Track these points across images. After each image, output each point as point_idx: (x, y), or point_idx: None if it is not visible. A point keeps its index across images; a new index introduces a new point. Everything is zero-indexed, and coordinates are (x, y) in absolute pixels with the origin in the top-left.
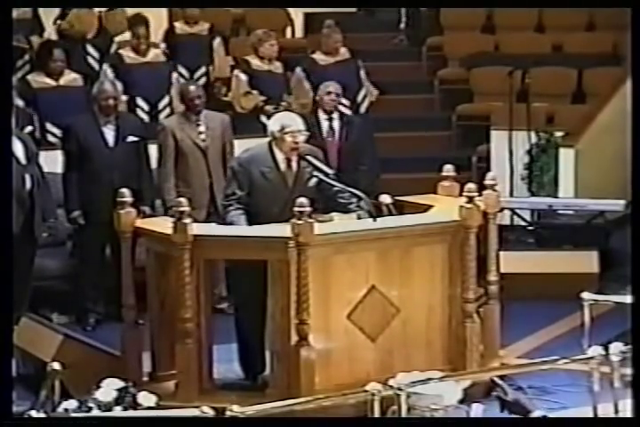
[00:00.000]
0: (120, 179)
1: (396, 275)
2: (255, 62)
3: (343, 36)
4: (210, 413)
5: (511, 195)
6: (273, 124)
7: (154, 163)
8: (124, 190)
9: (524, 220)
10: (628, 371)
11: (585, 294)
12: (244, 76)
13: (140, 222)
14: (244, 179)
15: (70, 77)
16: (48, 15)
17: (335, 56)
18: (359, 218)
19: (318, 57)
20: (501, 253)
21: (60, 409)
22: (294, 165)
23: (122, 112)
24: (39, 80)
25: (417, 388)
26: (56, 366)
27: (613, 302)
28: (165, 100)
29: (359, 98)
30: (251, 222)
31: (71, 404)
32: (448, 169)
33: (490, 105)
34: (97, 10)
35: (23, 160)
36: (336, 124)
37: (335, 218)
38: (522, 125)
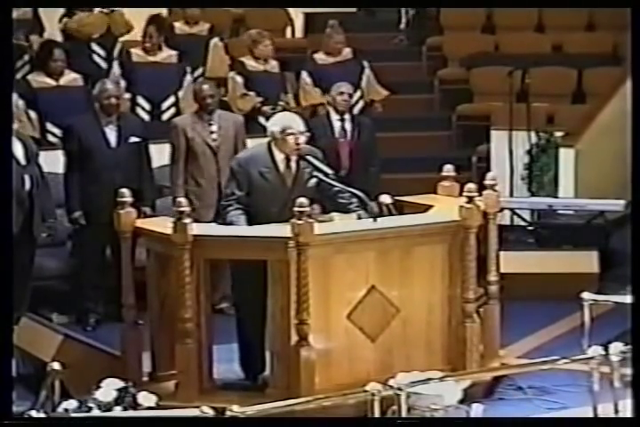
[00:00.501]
0: (121, 179)
1: (396, 275)
2: (250, 63)
3: (345, 36)
4: (210, 413)
5: (511, 195)
6: (274, 125)
7: (154, 163)
8: (125, 190)
9: (524, 220)
10: (628, 371)
11: (585, 294)
12: (239, 78)
13: (140, 222)
14: (243, 179)
15: (70, 77)
16: (49, 15)
17: (336, 56)
18: (359, 218)
19: (319, 57)
20: (501, 253)
21: (60, 409)
22: (293, 165)
23: (124, 112)
24: (39, 80)
25: (417, 388)
26: (56, 366)
27: (613, 302)
28: (170, 101)
29: (353, 100)
30: (250, 223)
31: (71, 404)
32: (448, 169)
33: (490, 105)
34: (99, 10)
35: (23, 160)
36: (348, 124)
37: (335, 218)
38: (522, 125)
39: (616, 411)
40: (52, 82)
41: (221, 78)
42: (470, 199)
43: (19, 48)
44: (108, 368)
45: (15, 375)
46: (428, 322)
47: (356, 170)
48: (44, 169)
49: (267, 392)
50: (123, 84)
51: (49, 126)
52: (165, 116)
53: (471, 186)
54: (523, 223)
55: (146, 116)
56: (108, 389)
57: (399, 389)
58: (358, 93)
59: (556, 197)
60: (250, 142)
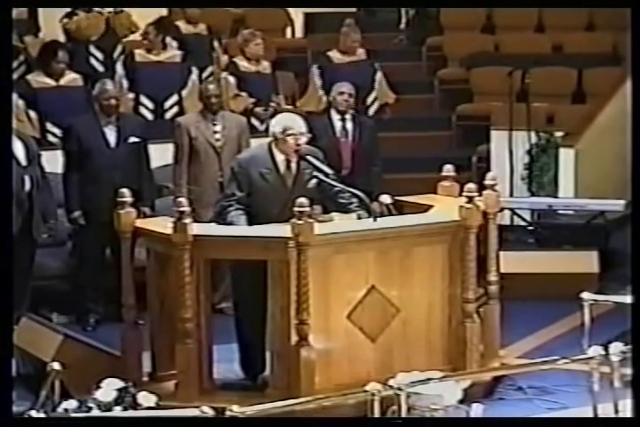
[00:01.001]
0: (120, 179)
1: (396, 275)
2: (243, 64)
3: (362, 36)
4: (210, 413)
5: (511, 195)
6: (275, 126)
7: (153, 163)
8: (125, 190)
9: (524, 220)
10: (628, 371)
11: (585, 294)
12: (232, 79)
13: (139, 222)
14: (243, 180)
15: (70, 77)
16: (46, 15)
17: (351, 56)
18: (359, 218)
19: (334, 55)
20: (501, 253)
21: (60, 409)
22: (294, 166)
23: (123, 113)
24: (39, 80)
25: (417, 388)
26: (56, 366)
27: (613, 302)
28: (173, 100)
29: (369, 100)
30: (251, 223)
31: (71, 404)
32: (448, 169)
33: (490, 105)
34: (101, 10)
35: (23, 161)
36: (349, 124)
37: (335, 218)
38: (522, 125)
39: (616, 411)
40: (52, 82)
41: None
42: (470, 199)
43: (13, 49)
44: (108, 368)
45: (15, 375)
46: (427, 322)
47: (358, 170)
48: (45, 169)
49: (267, 392)
50: (125, 84)
51: (49, 126)
52: (168, 115)
53: (471, 186)
54: (523, 223)
55: (149, 115)
56: (108, 389)
57: (399, 389)
58: (373, 95)
59: (556, 197)
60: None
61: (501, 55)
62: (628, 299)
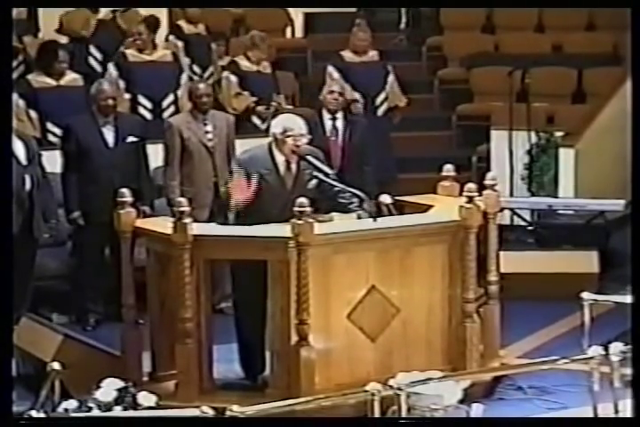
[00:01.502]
0: (120, 179)
1: (396, 275)
2: (244, 63)
3: (373, 35)
4: (210, 413)
5: (511, 195)
6: (275, 127)
7: (152, 163)
8: (124, 190)
9: (524, 220)
10: (628, 371)
11: (585, 294)
12: (234, 78)
13: (139, 222)
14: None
15: (71, 77)
16: (45, 15)
17: (362, 56)
18: (359, 218)
19: (346, 54)
20: (501, 253)
21: (60, 409)
22: (294, 167)
23: (121, 112)
24: (39, 80)
25: (417, 388)
26: (56, 366)
27: (613, 302)
28: (169, 99)
29: (378, 100)
30: (251, 223)
31: (71, 404)
32: (448, 169)
33: (490, 105)
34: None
35: (24, 161)
36: (340, 123)
37: (335, 218)
38: (522, 125)
39: (616, 411)
40: (52, 82)
41: None
42: (470, 199)
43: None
44: (108, 368)
45: (15, 375)
46: (428, 322)
47: (349, 169)
48: (46, 169)
49: (267, 392)
50: (122, 84)
51: (49, 126)
52: (166, 114)
53: (471, 186)
54: (523, 223)
55: (148, 115)
56: (108, 389)
57: (399, 389)
58: (383, 95)
59: (556, 197)
60: (239, 143)
61: (501, 55)
62: (628, 299)
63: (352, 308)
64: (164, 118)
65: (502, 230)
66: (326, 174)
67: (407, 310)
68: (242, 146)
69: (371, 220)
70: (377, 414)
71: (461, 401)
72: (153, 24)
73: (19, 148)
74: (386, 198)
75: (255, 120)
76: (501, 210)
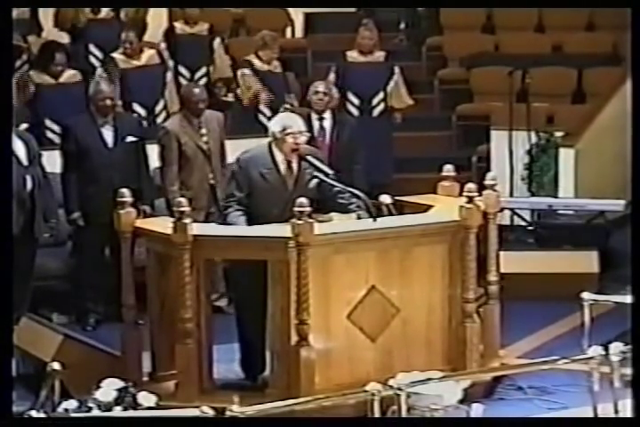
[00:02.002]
0: (119, 179)
1: (396, 275)
2: (255, 62)
3: (382, 35)
4: (210, 413)
5: (511, 195)
6: (274, 125)
7: (152, 163)
8: (124, 190)
9: (524, 220)
10: (628, 371)
11: (585, 294)
12: (248, 71)
13: (139, 222)
14: (243, 180)
15: (70, 74)
16: (47, 15)
17: (367, 56)
18: (359, 218)
19: (351, 54)
20: (501, 253)
21: (60, 409)
22: (294, 166)
23: (119, 112)
24: (40, 78)
25: (417, 388)
26: (56, 366)
27: (613, 302)
28: (161, 104)
29: (374, 101)
30: (251, 223)
31: (71, 404)
32: (448, 169)
33: (490, 105)
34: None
35: (25, 161)
36: (327, 123)
37: (335, 218)
38: (522, 125)
39: (616, 411)
40: (51, 80)
41: (227, 78)
42: (470, 199)
43: (16, 49)
44: (108, 368)
45: (15, 375)
46: (428, 322)
47: (335, 169)
48: (46, 169)
49: (267, 392)
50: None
51: (48, 123)
52: (159, 120)
53: (471, 186)
54: (523, 223)
55: (144, 123)
56: (108, 389)
57: (399, 389)
58: (380, 96)
59: (556, 197)
60: (245, 143)
61: (501, 55)
62: (628, 299)
63: (352, 308)
64: (157, 124)
65: (502, 230)
66: (326, 174)
67: (407, 310)
68: (246, 146)
69: (371, 220)
70: (377, 414)
71: (461, 401)
72: (141, 29)
73: (20, 148)
74: (386, 198)
75: (262, 118)
76: (501, 210)
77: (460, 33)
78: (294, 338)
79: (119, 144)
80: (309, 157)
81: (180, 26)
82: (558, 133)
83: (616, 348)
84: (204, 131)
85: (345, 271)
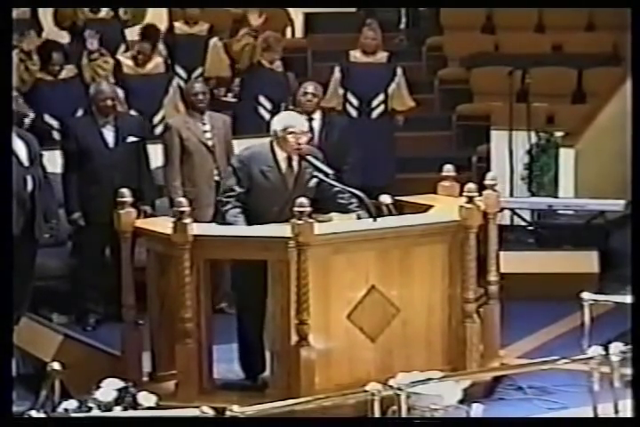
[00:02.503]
0: (120, 179)
1: (396, 275)
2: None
3: (383, 36)
4: (210, 413)
5: (511, 195)
6: (276, 124)
7: (152, 163)
8: (124, 190)
9: (524, 220)
10: (628, 371)
11: (585, 294)
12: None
13: (139, 222)
14: (243, 176)
15: (67, 69)
16: (47, 15)
17: (370, 56)
18: (359, 218)
19: (353, 54)
20: (501, 253)
21: (60, 409)
22: (295, 165)
23: (121, 112)
24: (39, 75)
25: (417, 388)
26: (56, 366)
27: (613, 302)
28: (161, 114)
29: (374, 103)
30: (250, 222)
31: (71, 404)
32: (448, 169)
33: (490, 105)
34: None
35: (25, 161)
36: (316, 124)
37: (335, 218)
38: (522, 125)
39: (616, 411)
40: (50, 78)
41: (220, 78)
42: (470, 199)
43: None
44: (108, 368)
45: (15, 375)
46: (428, 322)
47: None
48: (47, 169)
49: (267, 392)
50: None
51: (47, 118)
52: (158, 131)
53: (471, 186)
54: (523, 223)
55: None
56: (108, 389)
57: (399, 389)
58: (381, 98)
59: (556, 197)
60: (245, 142)
61: (501, 55)
62: (628, 299)
63: (352, 308)
64: (155, 134)
65: (502, 230)
66: (326, 174)
67: (407, 310)
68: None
69: (371, 220)
70: (377, 414)
71: (461, 401)
72: (154, 36)
73: (20, 148)
74: (386, 198)
75: (262, 111)
76: (501, 210)
77: (460, 33)
78: (294, 338)
79: (120, 144)
80: (309, 157)
81: (179, 26)
82: (558, 133)
83: (616, 348)
84: (207, 127)
85: (345, 271)
